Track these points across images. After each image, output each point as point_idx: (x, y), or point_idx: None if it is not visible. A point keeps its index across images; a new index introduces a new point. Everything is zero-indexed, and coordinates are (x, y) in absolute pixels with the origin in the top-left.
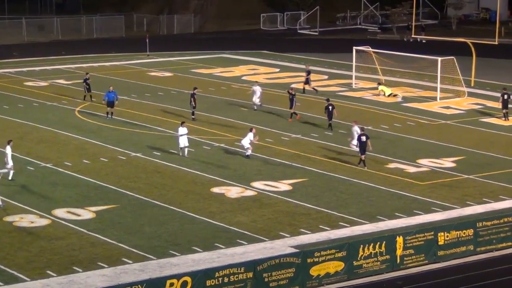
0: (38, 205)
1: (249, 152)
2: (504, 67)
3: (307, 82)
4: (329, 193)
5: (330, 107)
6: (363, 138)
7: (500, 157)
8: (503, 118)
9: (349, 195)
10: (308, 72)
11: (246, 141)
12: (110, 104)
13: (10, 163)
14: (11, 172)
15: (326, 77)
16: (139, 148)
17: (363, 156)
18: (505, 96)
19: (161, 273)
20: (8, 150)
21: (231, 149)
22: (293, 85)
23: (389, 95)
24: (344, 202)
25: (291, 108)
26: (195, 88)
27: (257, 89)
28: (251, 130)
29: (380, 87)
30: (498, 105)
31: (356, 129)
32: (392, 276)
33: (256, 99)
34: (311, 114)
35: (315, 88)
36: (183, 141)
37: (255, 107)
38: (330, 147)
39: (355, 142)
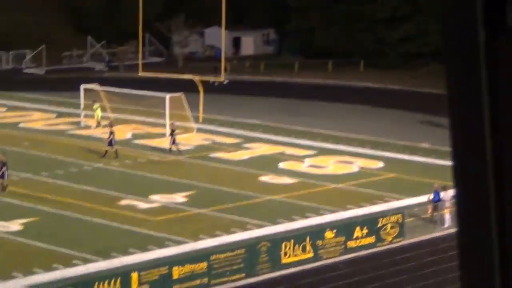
0: None
1: None
2: (231, 103)
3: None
4: (61, 232)
5: None
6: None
7: (229, 191)
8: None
9: (81, 233)
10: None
11: None
12: None
13: None
14: None
15: (54, 115)
16: None
17: None
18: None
19: None
20: None
21: None
22: None
23: (97, 126)
24: (77, 240)
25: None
26: None
27: None
28: None
29: (95, 106)
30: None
31: None
32: None
33: None
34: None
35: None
36: None
37: None
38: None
39: None
